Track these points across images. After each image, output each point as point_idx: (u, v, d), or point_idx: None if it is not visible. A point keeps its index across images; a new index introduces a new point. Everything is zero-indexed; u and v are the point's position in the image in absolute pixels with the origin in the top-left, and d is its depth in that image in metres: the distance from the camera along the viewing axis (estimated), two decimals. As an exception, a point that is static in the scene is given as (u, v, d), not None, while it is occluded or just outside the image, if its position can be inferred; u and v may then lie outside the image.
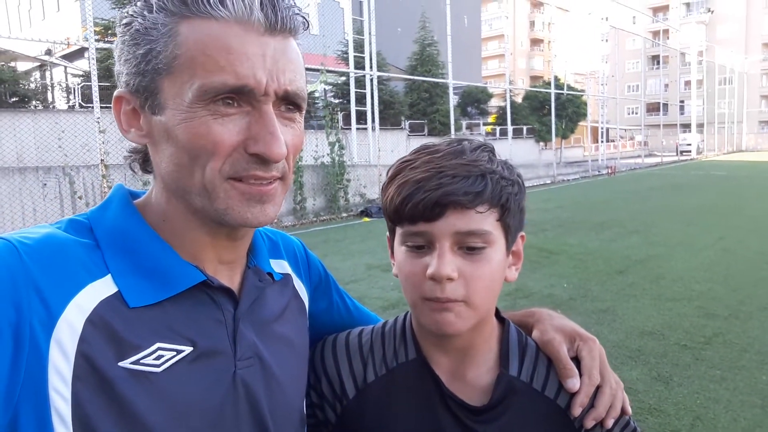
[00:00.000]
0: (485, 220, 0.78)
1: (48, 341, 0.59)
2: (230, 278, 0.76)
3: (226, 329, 0.73)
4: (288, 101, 0.68)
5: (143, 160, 0.76)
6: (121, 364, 0.63)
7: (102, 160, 9.37)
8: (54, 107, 16.09)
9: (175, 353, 0.67)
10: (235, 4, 0.63)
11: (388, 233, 0.89)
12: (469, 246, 0.78)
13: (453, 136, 0.89)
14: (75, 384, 0.60)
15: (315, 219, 12.94)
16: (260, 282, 0.80)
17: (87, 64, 15.07)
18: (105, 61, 13.57)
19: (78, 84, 15.98)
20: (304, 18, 0.70)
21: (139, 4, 0.66)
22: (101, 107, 9.56)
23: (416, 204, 0.77)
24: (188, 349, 0.68)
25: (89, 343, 0.61)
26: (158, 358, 0.65)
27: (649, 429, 3.29)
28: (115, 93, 0.70)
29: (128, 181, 10.87)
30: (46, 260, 0.62)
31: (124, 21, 0.67)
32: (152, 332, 0.66)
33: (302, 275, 0.94)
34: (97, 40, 10.33)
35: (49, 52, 20.03)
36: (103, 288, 0.65)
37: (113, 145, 11.36)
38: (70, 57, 21.40)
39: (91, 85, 9.54)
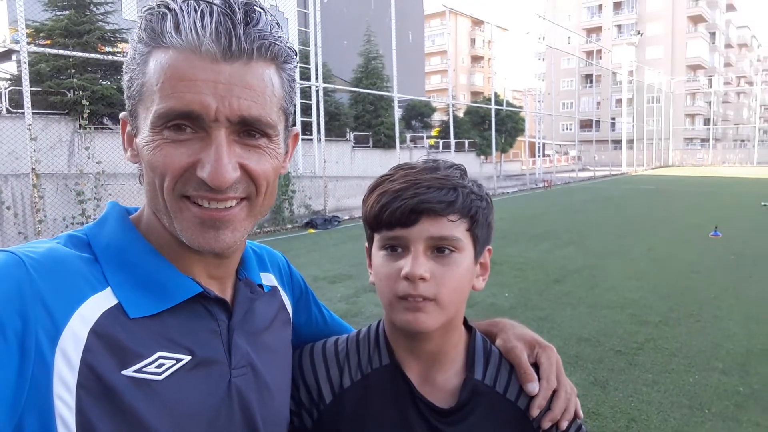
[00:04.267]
0: (456, 228, 0.84)
1: (53, 351, 0.60)
2: (221, 290, 0.79)
3: (221, 339, 0.75)
4: (248, 127, 0.68)
5: None
6: (124, 372, 0.65)
7: (33, 168, 8.92)
8: (-22, 112, 15.20)
9: (174, 362, 0.69)
10: (188, 32, 0.64)
11: (366, 243, 0.94)
12: (440, 250, 0.84)
13: (425, 156, 0.95)
14: (79, 392, 0.61)
15: (259, 230, 12.75)
16: (252, 293, 0.83)
17: (14, 66, 14.35)
18: (36, 65, 12.98)
19: (5, 88, 15.19)
20: (276, 43, 0.69)
21: (135, 35, 0.69)
22: (33, 113, 9.13)
23: (394, 211, 0.83)
24: (187, 358, 0.71)
25: (93, 353, 0.63)
26: (159, 366, 0.67)
27: (588, 432, 3.43)
28: (120, 115, 0.75)
29: (60, 190, 10.40)
30: (50, 273, 0.63)
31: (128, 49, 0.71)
32: (153, 341, 0.68)
33: (287, 288, 0.97)
34: (29, 43, 9.88)
35: (-27, 54, 18.94)
36: (104, 300, 0.67)
37: (44, 153, 10.85)
38: (-3, 59, 20.32)
39: (20, 89, 9.09)
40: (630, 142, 45.28)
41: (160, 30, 0.66)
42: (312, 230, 13.08)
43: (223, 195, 0.68)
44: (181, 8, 0.65)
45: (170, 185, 0.67)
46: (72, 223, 10.16)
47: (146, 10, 0.67)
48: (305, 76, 16.80)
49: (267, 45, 0.68)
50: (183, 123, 0.66)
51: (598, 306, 6.20)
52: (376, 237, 0.89)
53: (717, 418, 3.58)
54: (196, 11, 0.65)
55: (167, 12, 0.66)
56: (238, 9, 0.65)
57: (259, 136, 0.70)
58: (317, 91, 16.16)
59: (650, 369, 4.40)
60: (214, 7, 0.65)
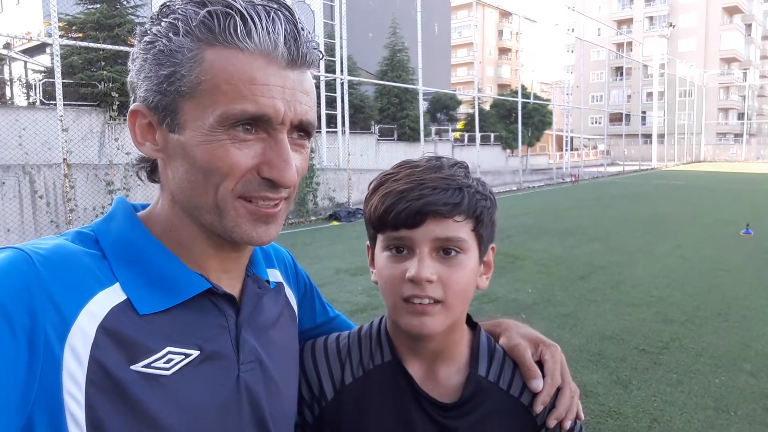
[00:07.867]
0: (461, 229, 0.84)
1: (62, 347, 0.61)
2: (231, 286, 0.80)
3: (229, 334, 0.76)
4: (300, 129, 0.72)
5: (151, 170, 0.78)
6: (133, 367, 0.65)
7: (65, 159, 9.14)
8: (13, 103, 15.59)
9: (183, 356, 0.70)
10: (261, 38, 0.66)
11: (368, 242, 0.94)
12: (446, 251, 0.84)
13: (429, 152, 0.95)
14: (88, 388, 0.62)
15: (283, 222, 12.82)
16: (259, 289, 0.84)
17: (48, 59, 14.67)
18: (68, 57, 13.25)
19: (39, 80, 15.56)
20: (320, 52, 0.74)
21: (163, 24, 0.67)
22: (65, 105, 9.33)
23: (399, 212, 0.83)
24: (195, 353, 0.71)
25: (102, 348, 0.63)
26: (168, 361, 0.68)
27: (609, 431, 3.39)
28: (132, 106, 0.72)
29: (90, 180, 10.63)
30: (58, 269, 0.63)
31: (147, 39, 0.68)
32: (162, 337, 0.69)
33: (292, 284, 0.98)
34: (61, 36, 10.09)
35: (7, 46, 19.40)
36: (113, 296, 0.67)
37: (76, 144, 11.09)
38: (31, 52, 20.78)
39: (53, 81, 9.30)
40: (661, 136, 44.32)
41: (223, 29, 0.66)
42: (335, 222, 13.15)
43: (279, 194, 0.72)
44: (247, 10, 0.65)
45: (230, 186, 0.68)
46: (102, 213, 10.35)
47: (190, 4, 0.67)
48: (330, 68, 16.85)
49: (314, 54, 0.72)
50: (250, 124, 0.68)
51: (623, 303, 6.11)
52: (380, 237, 0.88)
53: (743, 421, 3.50)
54: (267, 16, 0.66)
55: (230, 12, 0.65)
56: (292, 15, 0.68)
57: (305, 136, 0.74)
58: (342, 84, 16.19)
59: (675, 369, 4.33)
60: (281, 13, 0.67)
